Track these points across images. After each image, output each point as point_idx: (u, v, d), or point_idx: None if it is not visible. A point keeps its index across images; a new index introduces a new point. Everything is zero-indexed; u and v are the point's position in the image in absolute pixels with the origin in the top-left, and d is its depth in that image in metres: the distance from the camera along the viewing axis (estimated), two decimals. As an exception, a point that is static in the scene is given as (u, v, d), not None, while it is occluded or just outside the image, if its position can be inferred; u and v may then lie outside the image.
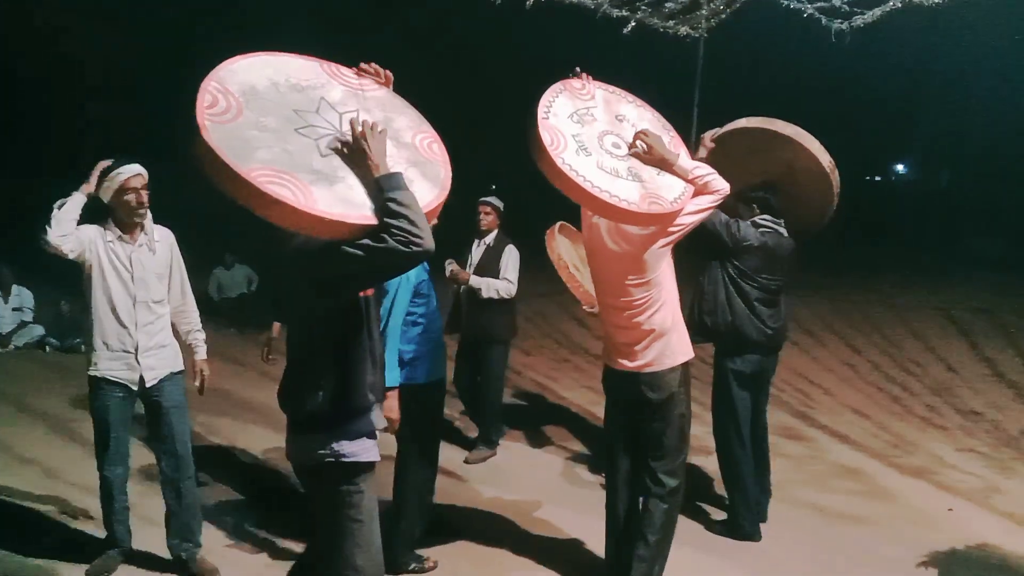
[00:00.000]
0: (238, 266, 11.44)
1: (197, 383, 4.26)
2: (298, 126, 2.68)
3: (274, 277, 3.06)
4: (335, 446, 2.75)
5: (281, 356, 4.91)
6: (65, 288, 9.64)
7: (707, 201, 3.73)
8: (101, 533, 4.28)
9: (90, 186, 3.89)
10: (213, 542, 4.41)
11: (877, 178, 37.85)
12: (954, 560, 4.55)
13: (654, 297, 3.75)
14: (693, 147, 4.20)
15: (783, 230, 4.72)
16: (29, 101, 19.55)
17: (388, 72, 3.02)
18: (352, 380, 2.76)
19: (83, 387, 7.43)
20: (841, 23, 6.51)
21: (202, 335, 4.33)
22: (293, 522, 4.67)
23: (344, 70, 2.99)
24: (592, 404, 7.45)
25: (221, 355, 8.72)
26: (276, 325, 5.21)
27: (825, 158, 4.55)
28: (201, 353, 4.30)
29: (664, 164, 3.64)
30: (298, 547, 4.46)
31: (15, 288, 9.34)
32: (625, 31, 6.83)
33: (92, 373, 4.02)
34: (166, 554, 4.17)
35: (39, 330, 9.18)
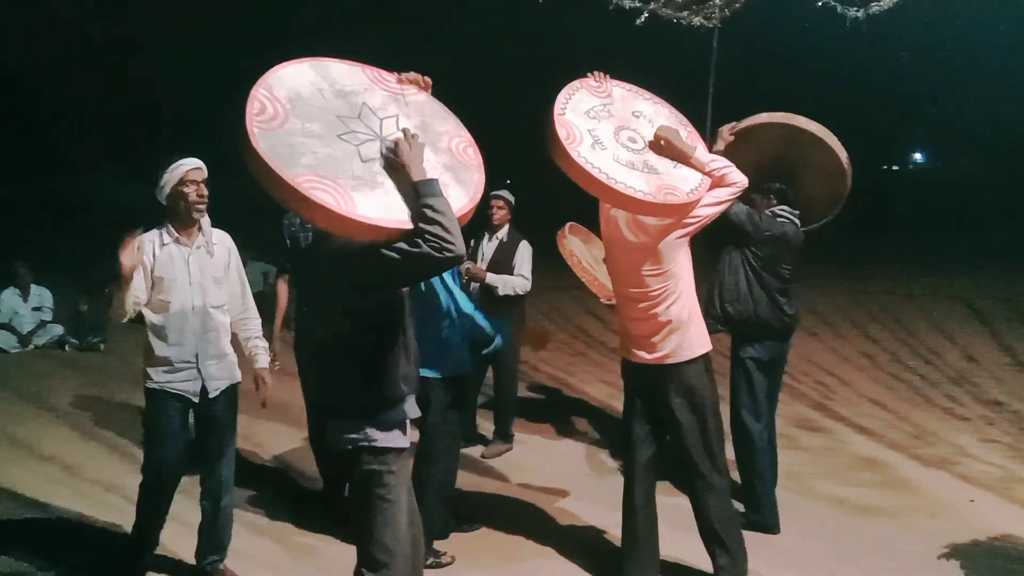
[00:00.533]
0: (251, 263, 11.46)
1: (261, 393, 4.05)
2: (340, 132, 2.80)
3: (306, 272, 3.05)
4: (368, 432, 2.88)
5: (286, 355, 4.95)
6: (83, 287, 9.74)
7: (725, 194, 3.79)
8: (118, 528, 4.29)
9: (128, 265, 3.55)
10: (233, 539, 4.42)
11: (895, 167, 37.56)
12: (976, 552, 4.50)
13: (671, 288, 3.77)
14: (709, 139, 4.21)
15: (797, 221, 4.76)
16: (40, 101, 19.70)
17: (427, 79, 3.13)
18: (386, 372, 2.88)
19: (101, 385, 7.50)
20: (857, 11, 6.45)
21: (264, 343, 4.10)
22: (310, 517, 4.69)
23: (385, 74, 3.10)
24: (609, 397, 7.43)
25: (236, 351, 8.77)
26: (278, 322, 5.13)
27: (844, 156, 4.61)
28: (263, 361, 4.05)
29: (681, 157, 3.68)
30: (316, 542, 4.48)
31: (34, 288, 9.38)
32: (638, 22, 6.79)
33: (151, 386, 3.79)
34: (187, 555, 4.15)
35: (58, 329, 9.23)
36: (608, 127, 3.66)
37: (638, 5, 6.78)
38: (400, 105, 3.02)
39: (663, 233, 3.70)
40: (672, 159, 3.68)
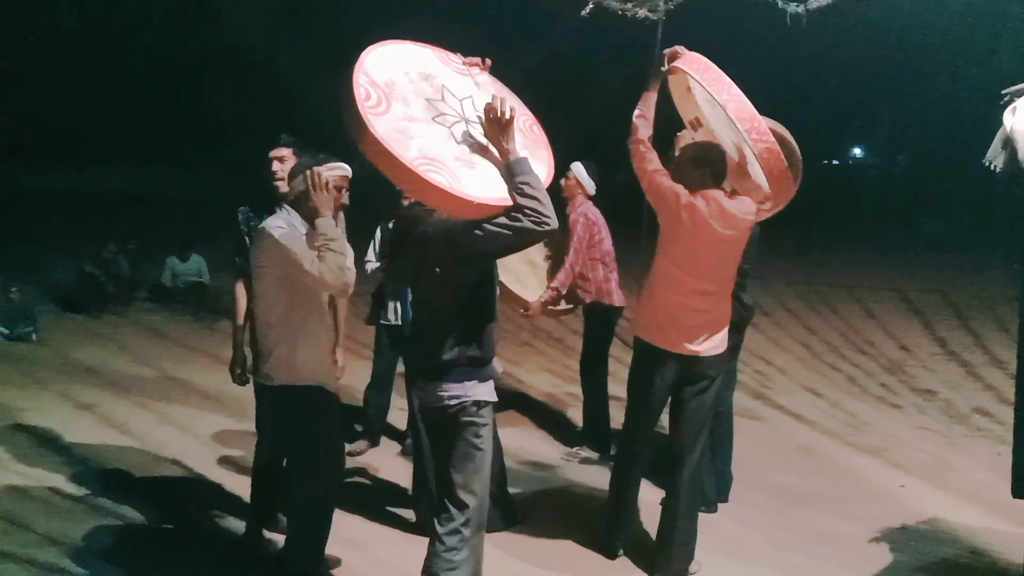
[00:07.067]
0: (194, 257, 11.28)
1: None
2: (433, 115, 2.91)
3: (403, 249, 2.95)
4: (471, 389, 3.16)
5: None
6: (12, 275, 9.42)
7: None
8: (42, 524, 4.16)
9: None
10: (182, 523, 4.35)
11: (835, 162, 38.30)
12: (905, 536, 4.63)
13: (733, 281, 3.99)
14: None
15: None
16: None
17: (488, 60, 3.24)
18: (484, 333, 3.19)
19: (34, 376, 7.25)
20: (797, 6, 6.56)
21: None
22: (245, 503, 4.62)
23: (452, 55, 3.17)
24: (554, 387, 7.46)
25: (175, 341, 8.62)
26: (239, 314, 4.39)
27: (793, 142, 4.65)
28: None
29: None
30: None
31: (-39, 277, 9.05)
32: (583, 13, 6.80)
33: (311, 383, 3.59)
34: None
35: (-13, 319, 8.92)
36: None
37: (583, -4, 6.79)
38: (471, 86, 3.11)
39: (750, 228, 3.91)
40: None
